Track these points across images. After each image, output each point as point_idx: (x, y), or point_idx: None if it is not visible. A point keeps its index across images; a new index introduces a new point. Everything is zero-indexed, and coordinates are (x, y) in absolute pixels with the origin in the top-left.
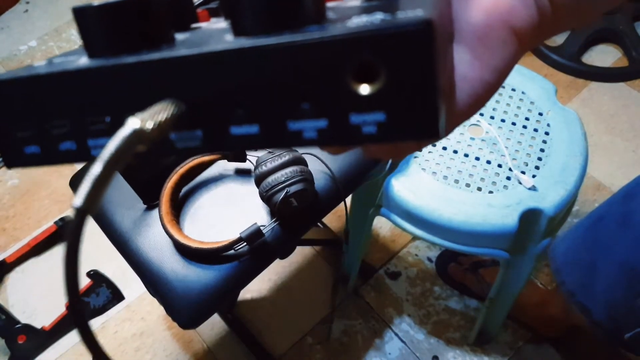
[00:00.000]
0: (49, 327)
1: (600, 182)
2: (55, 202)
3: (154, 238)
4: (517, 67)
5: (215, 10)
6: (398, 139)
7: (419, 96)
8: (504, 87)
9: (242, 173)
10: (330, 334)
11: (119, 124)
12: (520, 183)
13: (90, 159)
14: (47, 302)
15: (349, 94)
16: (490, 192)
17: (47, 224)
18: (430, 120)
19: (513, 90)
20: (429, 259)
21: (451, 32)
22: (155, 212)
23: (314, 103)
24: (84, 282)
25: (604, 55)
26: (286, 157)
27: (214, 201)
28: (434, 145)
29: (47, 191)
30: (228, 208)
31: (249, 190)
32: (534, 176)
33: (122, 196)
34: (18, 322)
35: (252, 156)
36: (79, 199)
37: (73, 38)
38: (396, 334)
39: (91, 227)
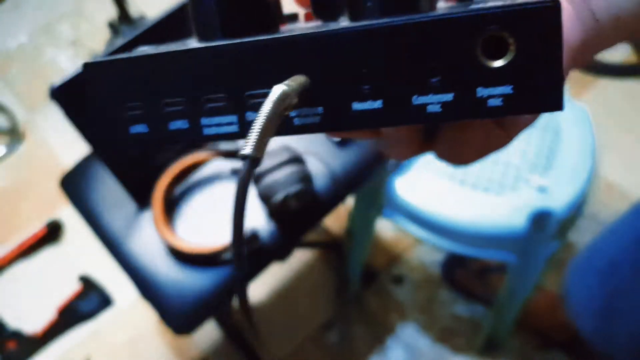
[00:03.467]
0: (40, 333)
1: (610, 183)
2: (44, 204)
3: (146, 240)
4: None
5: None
6: (522, 112)
7: (547, 69)
8: None
9: (238, 172)
10: (341, 335)
11: (236, 101)
12: (529, 183)
13: (201, 138)
14: (38, 306)
15: (479, 67)
16: (498, 192)
17: (36, 226)
18: (555, 92)
19: None
20: (434, 263)
21: None
22: (148, 213)
23: (443, 77)
24: (74, 287)
25: (614, 51)
26: (285, 155)
27: (209, 202)
28: None
29: (36, 192)
30: (223, 209)
31: None
32: (543, 176)
33: (113, 196)
34: (8, 327)
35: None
36: (249, 147)
37: (64, 35)
38: (400, 341)
39: (82, 229)
